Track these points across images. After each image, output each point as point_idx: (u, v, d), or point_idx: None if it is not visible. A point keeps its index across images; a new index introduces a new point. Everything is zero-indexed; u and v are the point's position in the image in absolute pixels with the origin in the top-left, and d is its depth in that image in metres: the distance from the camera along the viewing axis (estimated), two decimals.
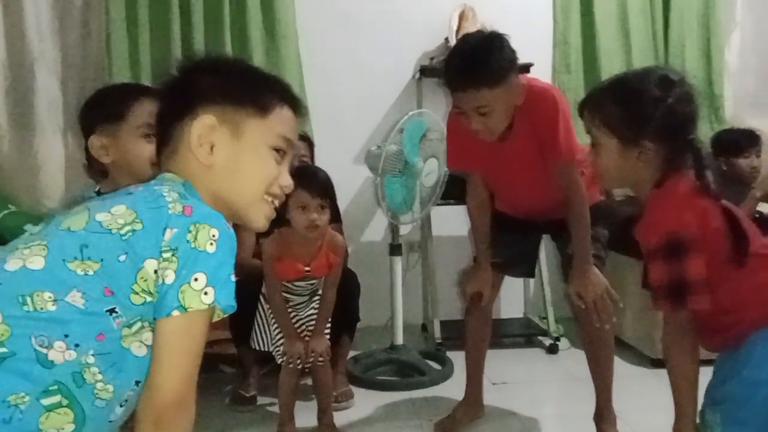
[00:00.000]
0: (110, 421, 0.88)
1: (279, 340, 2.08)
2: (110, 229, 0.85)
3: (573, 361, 2.74)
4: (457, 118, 1.91)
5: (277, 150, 1.01)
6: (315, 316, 2.09)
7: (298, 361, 2.01)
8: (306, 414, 2.16)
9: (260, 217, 1.03)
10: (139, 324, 0.85)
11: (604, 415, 2.00)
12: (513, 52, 1.77)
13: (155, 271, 0.85)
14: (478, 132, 1.80)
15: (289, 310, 2.06)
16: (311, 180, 1.93)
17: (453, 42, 3.04)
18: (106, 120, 1.43)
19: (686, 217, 1.21)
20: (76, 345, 0.81)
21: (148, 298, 0.85)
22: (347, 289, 2.22)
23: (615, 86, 1.34)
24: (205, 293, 0.85)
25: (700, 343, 1.31)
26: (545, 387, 2.58)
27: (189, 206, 0.88)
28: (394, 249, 2.73)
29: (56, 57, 3.03)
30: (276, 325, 2.09)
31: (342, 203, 2.82)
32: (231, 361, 2.68)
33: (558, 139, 1.81)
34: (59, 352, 0.80)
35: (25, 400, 0.78)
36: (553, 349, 2.92)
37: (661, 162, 1.28)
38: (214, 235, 0.87)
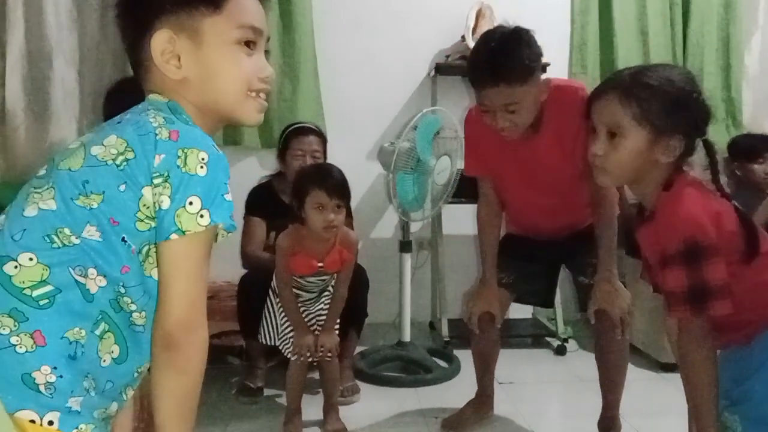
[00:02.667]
0: None
1: (287, 334, 2.09)
2: (105, 161, 0.86)
3: (581, 362, 2.73)
4: (476, 120, 1.88)
5: (246, 43, 0.96)
6: (324, 312, 2.10)
7: (308, 355, 2.02)
8: (312, 407, 2.17)
9: (251, 114, 0.99)
10: (147, 247, 0.87)
11: (610, 425, 1.97)
12: (538, 47, 1.74)
13: (152, 197, 0.86)
14: (503, 130, 1.75)
15: (299, 305, 2.07)
16: (328, 180, 1.93)
17: (469, 40, 3.03)
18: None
19: (702, 220, 1.19)
20: (105, 275, 0.84)
21: (153, 224, 0.86)
22: (356, 285, 2.22)
23: (648, 77, 1.26)
24: (201, 216, 0.86)
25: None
26: (552, 388, 2.58)
27: (175, 131, 0.88)
28: (404, 246, 2.73)
29: (74, 47, 3.06)
30: (284, 320, 2.10)
31: (353, 199, 2.79)
32: (238, 352, 2.70)
33: None
34: (92, 280, 0.84)
35: (83, 334, 0.82)
36: (561, 351, 2.91)
37: (676, 160, 1.27)
38: (203, 158, 0.87)
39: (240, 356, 2.69)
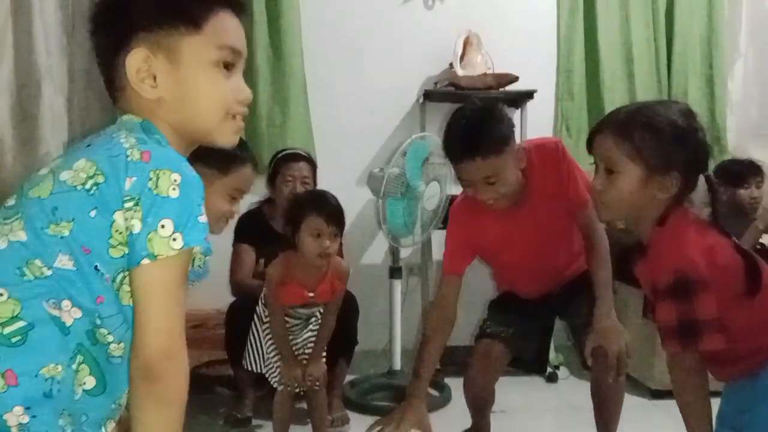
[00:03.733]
0: None
1: (273, 362, 2.06)
2: (75, 186, 0.84)
3: (572, 390, 2.71)
4: (460, 207, 1.94)
5: (225, 65, 0.94)
6: (312, 340, 2.07)
7: (296, 386, 1.99)
8: None
9: (227, 136, 0.97)
10: (122, 275, 0.84)
11: None
12: (509, 118, 1.80)
13: (124, 222, 0.83)
14: (489, 200, 1.78)
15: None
16: (326, 206, 1.92)
17: (457, 67, 3.06)
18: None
19: (693, 256, 1.20)
20: (79, 306, 0.81)
21: (126, 250, 0.83)
22: (346, 312, 2.21)
23: (643, 115, 1.28)
24: (174, 239, 0.83)
25: (710, 374, 1.29)
26: (544, 415, 2.55)
27: (147, 152, 0.85)
28: (394, 272, 2.72)
29: (63, 74, 3.06)
30: (270, 347, 2.07)
31: (342, 231, 2.82)
32: (227, 382, 2.66)
33: (578, 185, 1.82)
34: (67, 312, 0.81)
35: (59, 369, 0.79)
36: (552, 378, 2.89)
37: (674, 196, 1.27)
38: (175, 180, 0.84)
39: (228, 386, 2.65)
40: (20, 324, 0.78)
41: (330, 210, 1.91)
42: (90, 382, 0.83)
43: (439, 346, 1.88)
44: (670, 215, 1.27)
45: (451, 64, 3.16)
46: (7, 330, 0.77)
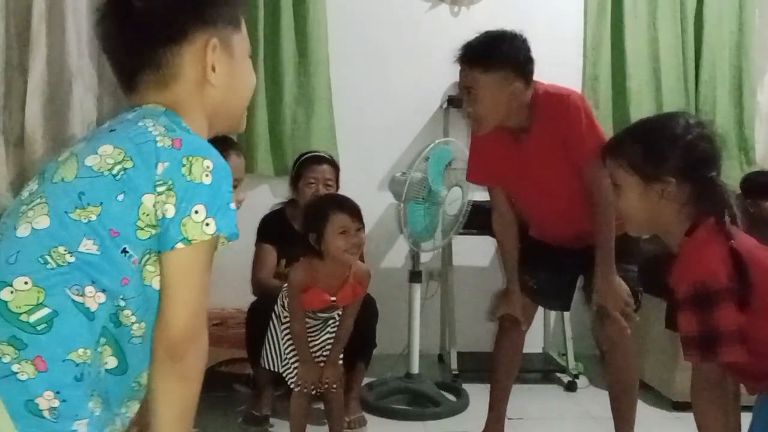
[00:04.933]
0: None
1: (291, 362, 2.07)
2: (102, 172, 0.86)
3: (591, 399, 2.69)
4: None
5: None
6: (329, 342, 2.07)
7: (312, 387, 2.00)
8: None
9: (243, 123, 1.09)
10: (147, 256, 0.86)
11: None
12: (521, 52, 1.83)
13: (153, 205, 0.85)
14: (468, 116, 1.87)
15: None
16: (347, 203, 1.96)
17: None
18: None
19: (714, 266, 1.19)
20: (104, 290, 0.83)
21: (153, 231, 0.85)
22: (365, 315, 2.21)
23: (636, 127, 1.39)
24: (207, 224, 0.85)
25: (745, 388, 1.28)
26: (562, 425, 2.53)
27: (178, 139, 0.88)
28: (414, 276, 2.72)
29: (93, 74, 3.12)
30: (287, 347, 2.08)
31: (365, 228, 2.83)
32: (246, 380, 2.68)
33: (582, 137, 1.81)
34: (91, 298, 0.82)
35: (88, 354, 0.81)
36: (571, 387, 2.87)
37: (687, 204, 1.27)
38: (208, 167, 0.87)
39: (247, 384, 2.67)
40: (45, 311, 0.80)
41: (351, 205, 1.95)
42: (112, 362, 0.85)
43: (512, 244, 2.05)
44: (699, 226, 1.26)
45: None
46: (33, 318, 0.79)
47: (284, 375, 2.11)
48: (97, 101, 3.13)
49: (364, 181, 3.15)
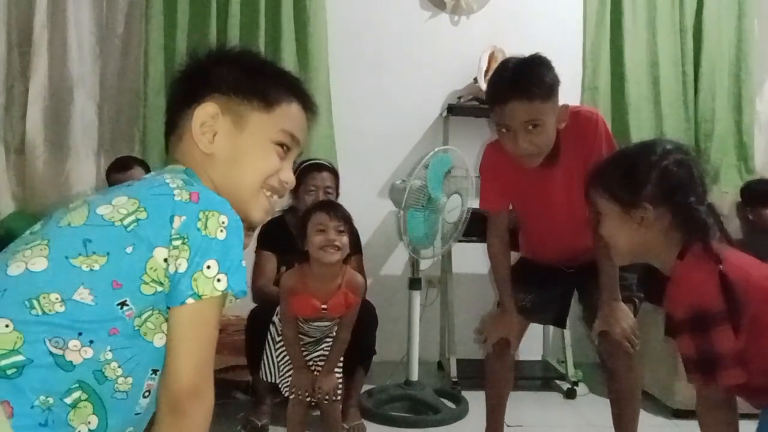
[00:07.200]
0: (137, 414, 0.88)
1: (286, 373, 2.06)
2: (113, 222, 0.85)
3: (591, 407, 2.68)
4: (494, 154, 1.93)
5: (281, 145, 1.01)
6: (325, 355, 2.05)
7: (306, 394, 1.99)
8: None
9: (258, 210, 1.02)
10: (149, 313, 0.85)
11: None
12: (556, 73, 1.80)
13: (165, 260, 0.84)
14: (524, 154, 1.77)
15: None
16: (331, 206, 1.97)
17: (482, 82, 3.08)
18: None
19: (708, 288, 1.19)
20: (91, 342, 0.81)
21: (159, 288, 0.84)
22: (365, 322, 2.21)
23: (615, 155, 1.43)
24: (218, 280, 0.85)
25: (749, 403, 1.27)
26: None
27: (195, 192, 0.88)
28: (414, 283, 2.73)
29: (95, 82, 3.13)
30: (282, 357, 2.07)
31: (364, 235, 2.83)
32: (245, 388, 2.68)
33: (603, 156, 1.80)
34: (75, 352, 0.80)
35: (50, 401, 0.78)
36: (570, 394, 2.86)
37: (671, 230, 1.27)
38: (223, 222, 0.87)
39: (246, 391, 2.67)
40: (18, 358, 0.77)
41: (332, 206, 1.95)
42: (94, 421, 0.82)
43: (507, 266, 2.03)
44: (689, 250, 1.26)
45: (475, 79, 3.17)
46: (4, 362, 0.77)
47: (280, 385, 2.10)
48: (98, 109, 3.14)
49: (363, 189, 3.16)
